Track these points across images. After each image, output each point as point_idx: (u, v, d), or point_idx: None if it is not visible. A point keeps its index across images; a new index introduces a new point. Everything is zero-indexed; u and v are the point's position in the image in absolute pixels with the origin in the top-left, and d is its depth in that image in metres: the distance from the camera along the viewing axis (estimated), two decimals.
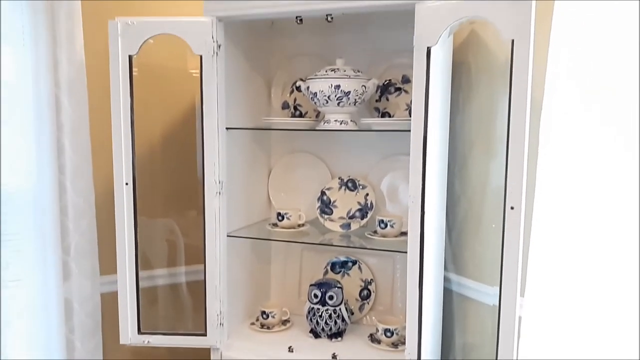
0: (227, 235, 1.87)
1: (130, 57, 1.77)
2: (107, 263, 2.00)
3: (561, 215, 1.43)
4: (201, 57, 1.75)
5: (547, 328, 1.48)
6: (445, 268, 1.89)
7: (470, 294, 1.82)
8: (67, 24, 1.88)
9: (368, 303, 2.07)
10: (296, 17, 1.78)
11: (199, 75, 1.77)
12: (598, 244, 1.36)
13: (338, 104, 1.79)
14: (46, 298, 1.89)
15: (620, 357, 1.30)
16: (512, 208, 1.40)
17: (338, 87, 1.76)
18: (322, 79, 1.78)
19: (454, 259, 1.88)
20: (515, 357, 1.48)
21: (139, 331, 1.85)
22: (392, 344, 1.84)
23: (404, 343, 1.70)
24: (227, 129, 1.83)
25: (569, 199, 1.41)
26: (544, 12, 1.43)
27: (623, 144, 1.30)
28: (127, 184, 1.80)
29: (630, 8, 1.25)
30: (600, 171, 1.35)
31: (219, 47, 1.77)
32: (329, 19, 1.76)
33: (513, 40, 1.37)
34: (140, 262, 1.87)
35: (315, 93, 1.80)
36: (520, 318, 1.50)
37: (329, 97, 1.78)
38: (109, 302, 2.00)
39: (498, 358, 1.48)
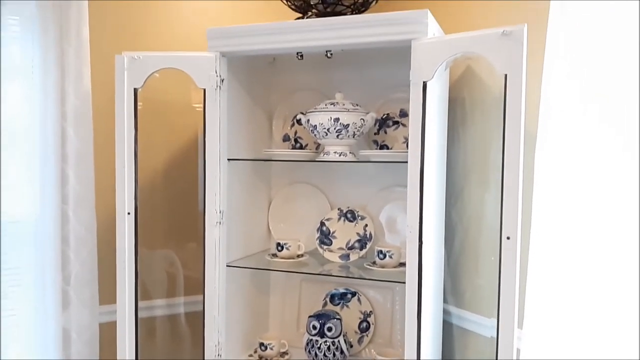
0: (227, 265, 1.88)
1: (135, 90, 1.82)
2: (107, 293, 2.00)
3: (558, 245, 1.45)
4: (205, 90, 1.80)
5: None
6: (445, 300, 1.89)
7: (469, 326, 1.82)
8: (75, 60, 1.94)
9: (367, 335, 2.06)
10: (297, 53, 1.84)
11: (202, 109, 1.81)
12: (596, 275, 1.37)
13: (337, 136, 1.83)
14: (44, 327, 1.89)
15: None
16: (508, 238, 1.42)
17: (337, 120, 1.81)
18: (322, 112, 1.83)
19: (452, 290, 1.88)
20: None
21: None
22: None
23: None
24: (228, 160, 1.87)
25: (565, 229, 1.43)
26: (535, 47, 1.49)
27: (620, 174, 1.32)
28: (129, 213, 1.82)
29: (626, 34, 1.29)
30: (596, 200, 1.37)
31: (222, 81, 1.82)
32: (329, 55, 1.82)
33: (506, 75, 1.42)
34: (140, 292, 1.88)
35: (315, 125, 1.84)
36: (518, 350, 1.49)
37: (328, 129, 1.82)
38: (107, 332, 1.99)
39: None
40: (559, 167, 1.44)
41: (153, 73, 1.82)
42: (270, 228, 2.20)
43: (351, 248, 2.03)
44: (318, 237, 2.06)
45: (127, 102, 1.81)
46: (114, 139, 1.82)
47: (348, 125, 1.81)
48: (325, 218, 2.08)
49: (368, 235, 2.02)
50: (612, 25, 1.33)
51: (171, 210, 2.24)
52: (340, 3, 1.80)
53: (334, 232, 2.06)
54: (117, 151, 1.82)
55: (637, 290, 1.29)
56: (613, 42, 1.32)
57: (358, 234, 2.04)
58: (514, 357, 1.46)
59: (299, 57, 1.85)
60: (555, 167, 1.44)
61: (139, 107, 1.83)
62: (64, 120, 1.95)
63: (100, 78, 2.01)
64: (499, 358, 1.46)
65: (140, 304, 1.87)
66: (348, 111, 1.82)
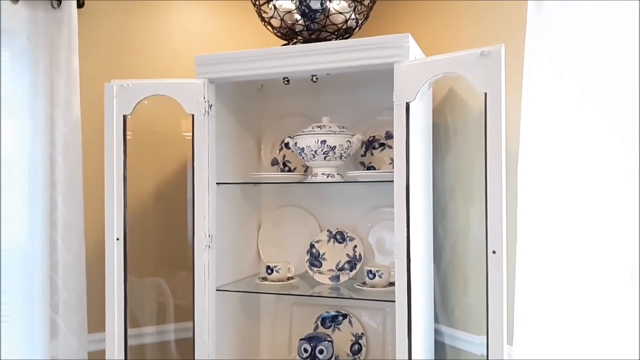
0: (217, 290, 1.88)
1: (124, 117, 1.84)
2: (96, 320, 1.98)
3: (544, 258, 1.46)
4: (193, 116, 1.83)
5: None
6: (436, 319, 1.89)
7: (459, 345, 1.82)
8: (65, 88, 1.97)
9: (359, 358, 2.05)
10: (283, 78, 1.89)
11: (190, 137, 1.84)
12: (585, 287, 1.39)
13: (324, 158, 1.86)
14: (32, 356, 1.86)
15: None
16: (494, 252, 1.44)
17: (324, 142, 1.84)
18: (309, 135, 1.86)
19: (443, 308, 1.88)
20: None
21: None
22: None
23: None
24: (217, 184, 1.88)
25: (550, 242, 1.45)
26: (513, 66, 1.54)
27: (604, 184, 1.35)
28: (118, 239, 1.83)
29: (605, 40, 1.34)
30: (580, 212, 1.39)
31: (210, 107, 1.86)
32: (314, 79, 1.86)
33: (486, 94, 1.47)
34: (129, 320, 1.86)
35: (303, 148, 1.87)
36: None
37: (315, 151, 1.85)
38: None
39: None
40: (542, 178, 1.47)
41: (142, 100, 1.85)
42: (260, 251, 2.20)
43: (341, 269, 2.03)
44: (308, 260, 2.06)
45: (117, 128, 1.84)
46: (103, 166, 1.84)
47: (335, 147, 1.84)
48: (315, 240, 2.09)
49: (358, 256, 2.03)
50: (592, 28, 1.37)
51: (161, 236, 2.23)
52: (324, 30, 1.86)
53: (323, 254, 2.07)
54: (106, 177, 1.83)
55: (628, 302, 1.30)
56: (593, 45, 1.37)
57: (348, 255, 2.05)
58: None
59: (286, 82, 1.89)
60: (537, 179, 1.48)
61: (128, 136, 1.86)
62: (53, 148, 1.96)
63: (90, 106, 2.03)
64: None
65: (129, 331, 1.85)
66: (335, 133, 1.86)
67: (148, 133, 2.18)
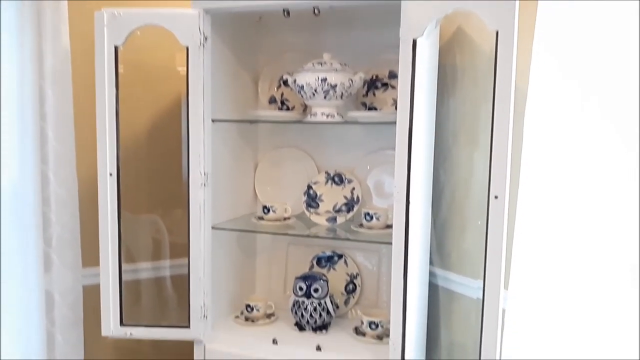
0: (212, 228, 1.86)
1: (116, 48, 1.76)
2: (90, 255, 1.97)
3: (546, 206, 1.44)
4: (187, 48, 1.75)
5: (531, 321, 1.48)
6: (431, 262, 1.90)
7: (455, 288, 1.83)
8: (52, 17, 1.88)
9: (353, 297, 2.07)
10: (283, 10, 1.79)
11: (185, 71, 1.76)
12: (584, 235, 1.37)
13: (325, 97, 1.79)
14: (26, 289, 1.86)
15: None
16: (496, 197, 1.41)
17: (325, 80, 1.77)
18: (309, 72, 1.79)
19: (438, 252, 1.88)
20: (499, 350, 1.48)
21: (122, 323, 1.82)
22: (377, 336, 1.84)
23: (388, 336, 1.70)
24: (213, 120, 1.83)
25: (553, 190, 1.43)
26: (527, 4, 1.45)
27: (610, 133, 1.31)
28: (111, 174, 1.79)
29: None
30: (585, 161, 1.36)
31: (206, 39, 1.77)
32: (316, 12, 1.77)
33: (497, 32, 1.39)
34: (124, 255, 1.86)
35: (302, 86, 1.80)
36: (504, 311, 1.50)
37: (315, 90, 1.78)
38: (91, 295, 1.97)
39: (482, 351, 1.48)
40: (550, 125, 1.42)
41: (134, 30, 1.76)
42: (257, 192, 2.18)
43: (338, 211, 2.01)
44: (305, 201, 2.04)
45: (108, 59, 1.76)
46: (94, 99, 1.77)
47: (336, 85, 1.78)
48: (313, 181, 2.06)
49: (355, 199, 2.01)
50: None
51: (155, 173, 2.20)
52: None
53: (321, 196, 2.05)
54: (98, 110, 1.77)
55: (626, 250, 1.29)
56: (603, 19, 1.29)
57: (345, 197, 2.02)
58: (500, 318, 1.47)
59: (286, 14, 1.79)
60: (545, 125, 1.43)
61: (120, 70, 1.78)
62: (42, 79, 1.89)
63: (80, 36, 1.94)
64: (484, 319, 1.47)
65: (124, 266, 1.85)
66: (336, 71, 1.78)
67: (141, 67, 2.11)
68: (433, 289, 1.89)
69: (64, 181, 1.93)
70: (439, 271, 1.89)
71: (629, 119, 1.26)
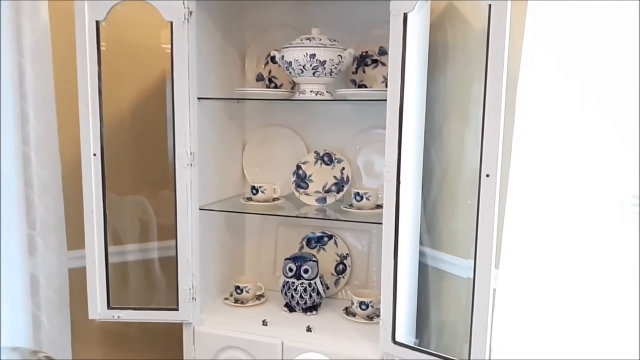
0: (200, 209, 1.83)
1: (97, 23, 1.70)
2: (75, 238, 1.93)
3: (537, 185, 1.43)
4: (172, 23, 1.69)
5: (521, 300, 1.48)
6: (421, 242, 1.88)
7: (445, 267, 1.82)
8: None
9: (343, 277, 2.06)
10: None
11: (169, 49, 1.71)
12: (576, 215, 1.36)
13: (313, 73, 1.75)
14: (11, 273, 1.82)
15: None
16: (487, 175, 1.39)
17: (313, 56, 1.72)
18: (297, 48, 1.74)
19: (428, 231, 1.87)
20: (489, 329, 1.48)
21: (109, 306, 1.80)
22: (367, 316, 1.84)
23: (378, 316, 1.69)
24: (198, 99, 1.78)
25: (544, 170, 1.41)
26: None
27: (602, 112, 1.30)
28: (95, 155, 1.74)
29: None
30: (577, 141, 1.34)
31: (190, 14, 1.71)
32: None
33: (490, 5, 1.35)
34: (110, 237, 1.82)
35: (290, 62, 1.76)
36: (494, 290, 1.49)
37: (304, 66, 1.74)
38: (78, 278, 1.94)
39: (472, 330, 1.48)
40: (542, 103, 1.40)
41: (116, 5, 1.70)
42: (245, 172, 2.14)
43: (328, 191, 1.99)
44: (294, 181, 2.01)
45: (89, 35, 1.70)
46: (76, 76, 1.71)
47: (325, 62, 1.73)
48: (302, 161, 2.03)
49: (345, 179, 1.98)
50: None
51: (140, 153, 2.15)
52: None
53: (310, 176, 2.02)
54: (80, 88, 1.71)
55: (620, 233, 1.28)
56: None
57: (335, 177, 1.99)
58: (491, 298, 1.46)
59: None
60: (537, 103, 1.40)
61: (103, 47, 1.72)
62: (21, 56, 1.83)
63: (60, 11, 1.87)
64: (475, 299, 1.46)
65: (111, 249, 1.82)
66: (325, 47, 1.73)
67: (124, 44, 2.04)
68: (423, 269, 1.88)
69: (47, 162, 1.88)
70: (429, 251, 1.87)
71: (621, 94, 1.24)
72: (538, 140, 1.41)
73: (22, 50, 1.82)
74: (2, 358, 1.46)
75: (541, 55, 1.39)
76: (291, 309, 1.91)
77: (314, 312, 1.90)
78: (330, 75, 1.77)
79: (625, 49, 1.23)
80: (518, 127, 1.44)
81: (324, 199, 1.96)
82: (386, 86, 1.56)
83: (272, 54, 1.85)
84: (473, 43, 1.70)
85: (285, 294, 1.90)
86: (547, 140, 1.40)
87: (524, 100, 1.43)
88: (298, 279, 1.87)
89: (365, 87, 1.96)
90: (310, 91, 1.80)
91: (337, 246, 2.07)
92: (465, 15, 1.73)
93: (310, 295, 1.87)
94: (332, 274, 2.06)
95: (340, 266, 2.06)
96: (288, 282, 1.88)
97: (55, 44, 1.89)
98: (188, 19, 1.70)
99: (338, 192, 1.97)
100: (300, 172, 2.02)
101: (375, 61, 1.95)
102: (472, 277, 1.48)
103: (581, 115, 1.33)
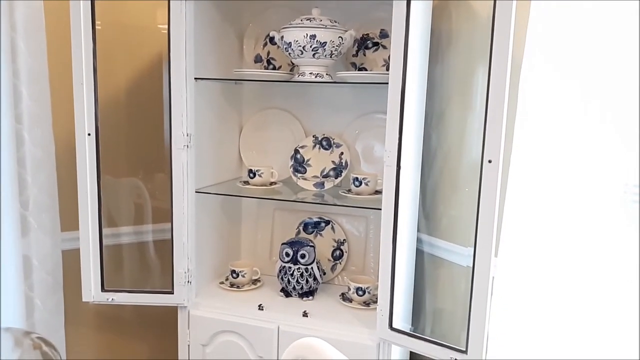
0: (196, 192, 1.80)
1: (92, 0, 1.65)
2: (69, 219, 1.90)
3: (537, 173, 1.41)
4: (169, 1, 1.65)
5: (520, 288, 1.47)
6: (419, 228, 1.86)
7: (443, 255, 1.80)
8: None
9: (340, 263, 2.04)
10: None
11: (166, 30, 1.66)
12: (577, 203, 1.35)
13: (313, 55, 1.71)
14: (3, 254, 1.79)
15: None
16: (489, 161, 1.37)
17: (314, 37, 1.69)
18: (297, 28, 1.70)
19: (427, 218, 1.85)
20: (488, 318, 1.47)
21: (103, 289, 1.78)
22: (364, 302, 1.82)
23: (375, 302, 1.68)
24: (195, 79, 1.74)
25: (545, 158, 1.39)
26: None
27: (603, 99, 1.28)
28: (89, 134, 1.70)
29: None
30: (579, 130, 1.33)
31: None
32: None
33: None
34: (105, 219, 1.79)
35: (290, 43, 1.72)
36: (493, 278, 1.48)
37: (303, 47, 1.70)
38: (72, 260, 1.92)
39: (471, 318, 1.47)
40: (544, 91, 1.37)
41: None
42: (242, 156, 2.11)
43: (326, 176, 1.96)
44: (292, 165, 1.98)
45: (84, 11, 1.65)
46: (70, 53, 1.67)
47: (325, 43, 1.69)
48: (300, 145, 2.00)
49: (344, 163, 1.95)
50: None
51: (136, 135, 2.12)
52: None
53: (308, 160, 1.99)
54: (74, 66, 1.67)
55: (620, 217, 1.27)
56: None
57: (333, 162, 1.97)
58: (490, 286, 1.44)
59: None
60: (539, 91, 1.38)
61: (98, 26, 1.68)
62: (14, 31, 1.78)
63: None
64: (474, 286, 1.45)
65: (105, 231, 1.79)
66: (325, 28, 1.70)
67: (120, 23, 2.00)
68: (421, 256, 1.86)
69: (40, 141, 1.84)
70: (427, 238, 1.86)
71: (624, 82, 1.22)
72: (539, 129, 1.39)
73: (15, 26, 1.77)
74: None
75: (544, 43, 1.36)
76: (287, 294, 1.90)
77: (311, 297, 1.88)
78: (331, 57, 1.74)
79: (626, 39, 1.20)
80: (520, 115, 1.42)
81: (322, 184, 1.93)
82: (387, 69, 1.53)
83: (271, 35, 1.81)
84: (477, 27, 1.66)
85: (282, 278, 1.88)
86: (548, 128, 1.38)
87: (526, 87, 1.40)
88: (295, 264, 1.85)
89: (366, 70, 1.93)
90: (310, 73, 1.76)
91: (334, 232, 2.05)
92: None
93: (307, 281, 1.86)
94: (329, 260, 2.05)
95: (337, 252, 2.05)
96: (285, 267, 1.87)
97: (49, 18, 1.84)
98: None
99: (336, 177, 1.95)
100: (298, 156, 1.99)
101: (376, 44, 1.92)
102: (471, 265, 1.46)
103: (583, 104, 1.31)
